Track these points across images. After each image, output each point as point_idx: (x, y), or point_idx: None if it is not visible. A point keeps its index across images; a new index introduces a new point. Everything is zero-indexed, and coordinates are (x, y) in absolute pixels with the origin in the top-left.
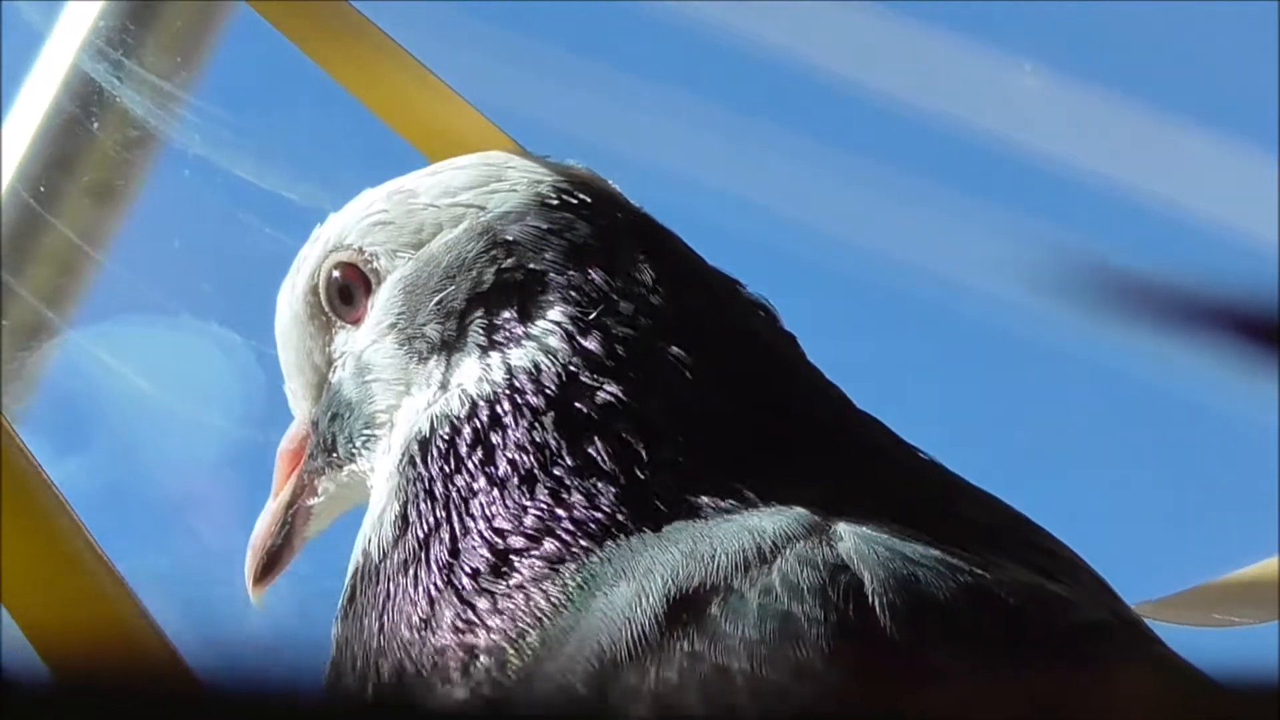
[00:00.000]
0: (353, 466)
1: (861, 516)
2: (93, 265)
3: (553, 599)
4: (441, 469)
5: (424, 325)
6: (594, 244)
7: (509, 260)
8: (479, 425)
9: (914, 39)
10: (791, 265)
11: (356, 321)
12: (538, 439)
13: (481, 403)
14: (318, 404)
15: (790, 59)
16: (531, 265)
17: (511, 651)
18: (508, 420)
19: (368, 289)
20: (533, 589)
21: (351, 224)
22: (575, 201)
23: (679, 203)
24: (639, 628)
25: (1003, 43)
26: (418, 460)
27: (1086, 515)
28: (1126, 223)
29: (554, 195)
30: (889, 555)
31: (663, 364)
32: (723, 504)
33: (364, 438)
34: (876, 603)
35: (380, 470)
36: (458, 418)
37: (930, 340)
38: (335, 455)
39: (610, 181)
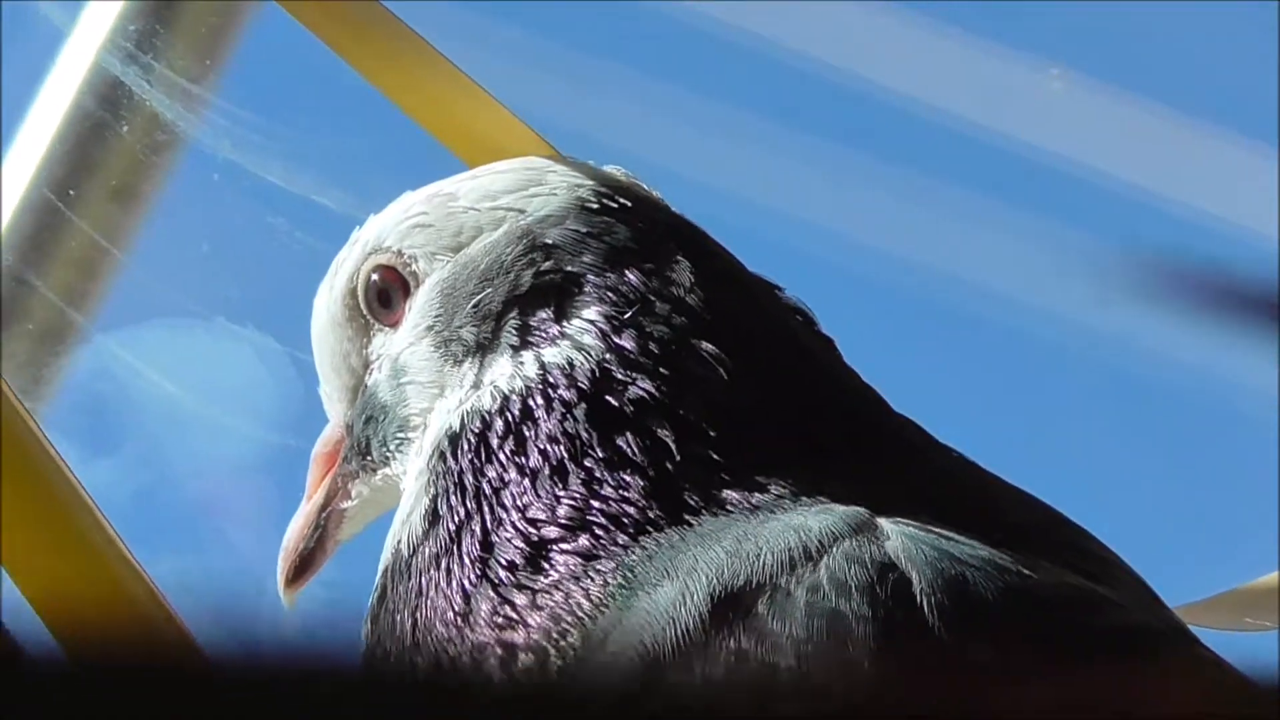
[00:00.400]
0: (387, 470)
1: (901, 515)
2: (118, 268)
3: (593, 597)
4: (472, 462)
5: (460, 328)
6: (632, 247)
7: (547, 263)
8: (510, 418)
9: (936, 41)
10: (815, 269)
11: (394, 324)
12: (569, 430)
13: (514, 397)
14: (353, 407)
15: (813, 62)
16: (569, 268)
17: (553, 651)
18: (539, 413)
19: (406, 292)
20: (572, 586)
21: (390, 226)
22: (615, 205)
23: (705, 208)
24: (684, 626)
25: (1028, 46)
26: (448, 455)
27: (1116, 518)
28: (1154, 226)
29: (594, 199)
30: (936, 555)
31: (697, 362)
32: (756, 500)
33: (398, 441)
34: (924, 602)
35: (411, 471)
36: (489, 412)
37: (952, 342)
38: (369, 458)
39: (649, 187)
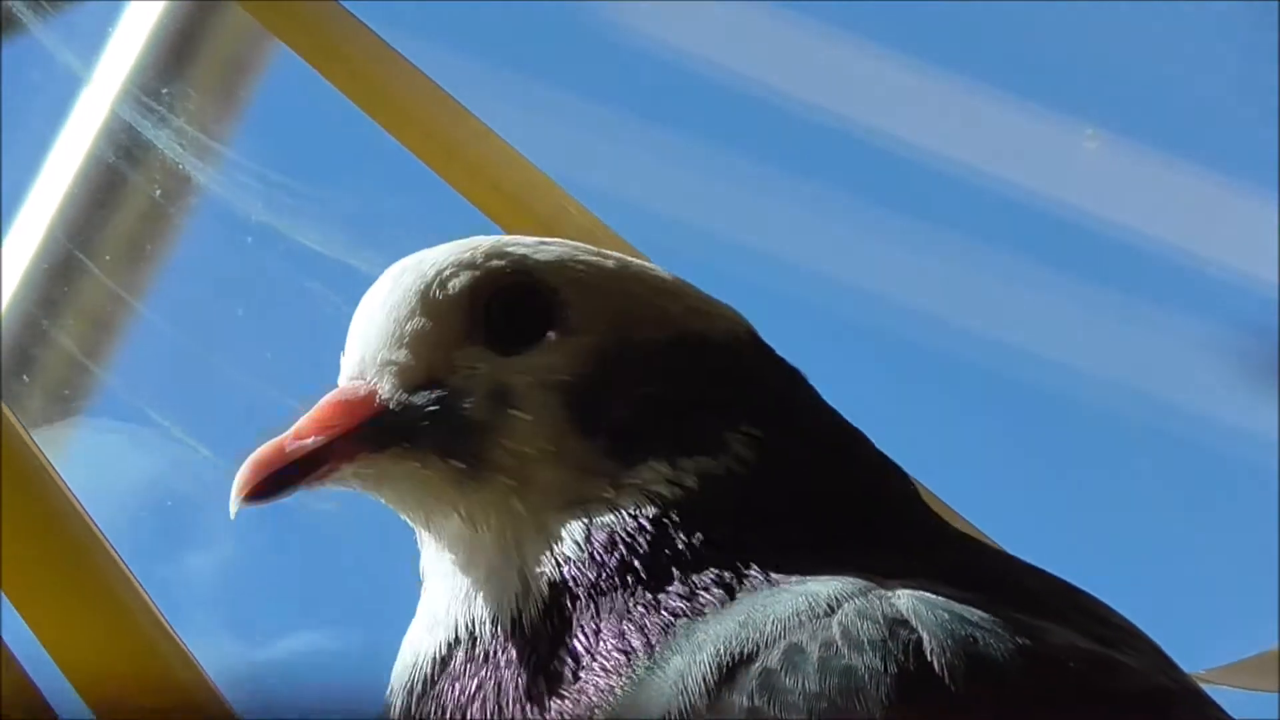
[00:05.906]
0: (419, 466)
1: (914, 582)
2: (133, 316)
3: (619, 682)
4: (615, 566)
5: (619, 409)
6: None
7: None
8: (660, 528)
9: (973, 102)
10: (847, 329)
11: (509, 351)
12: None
13: (668, 509)
14: (402, 386)
15: (844, 122)
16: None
17: None
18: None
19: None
20: (610, 675)
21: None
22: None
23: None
24: (692, 692)
25: (1063, 107)
26: (584, 554)
27: (1155, 582)
28: (1187, 289)
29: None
30: (947, 617)
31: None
32: (774, 578)
33: (471, 461)
34: (936, 660)
35: (493, 526)
36: (644, 516)
37: (966, 396)
38: (408, 445)
39: None
